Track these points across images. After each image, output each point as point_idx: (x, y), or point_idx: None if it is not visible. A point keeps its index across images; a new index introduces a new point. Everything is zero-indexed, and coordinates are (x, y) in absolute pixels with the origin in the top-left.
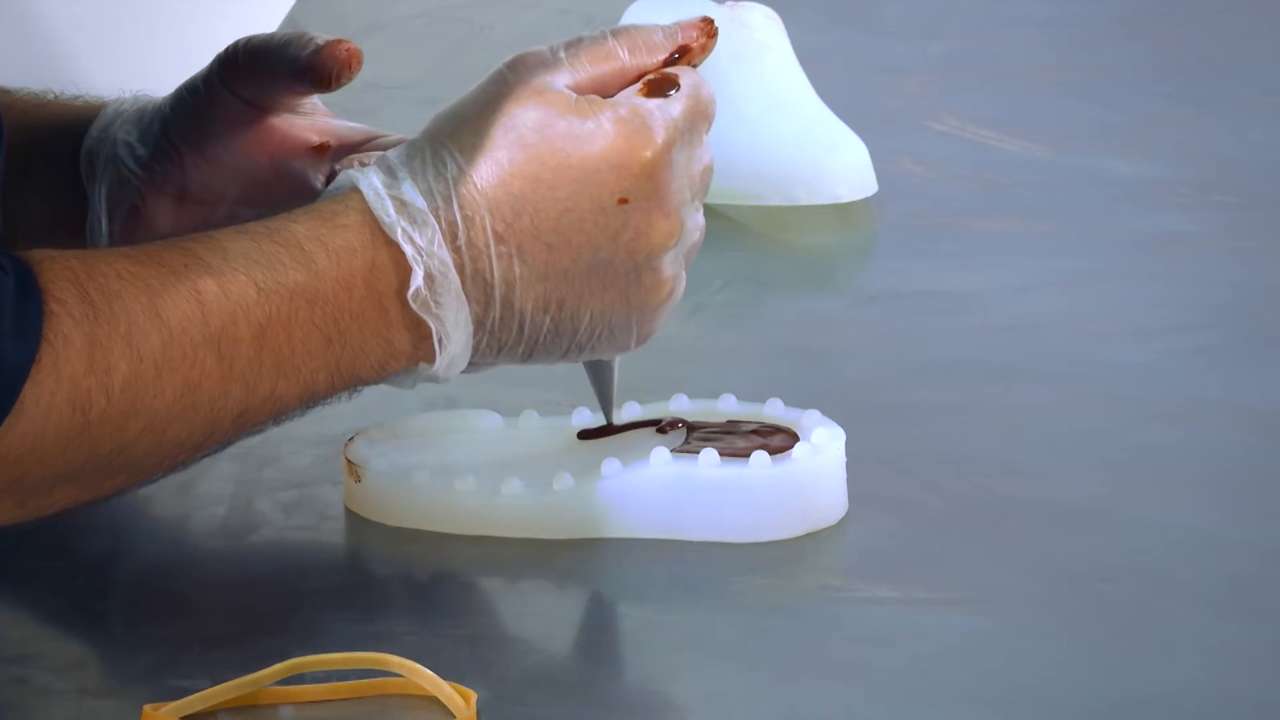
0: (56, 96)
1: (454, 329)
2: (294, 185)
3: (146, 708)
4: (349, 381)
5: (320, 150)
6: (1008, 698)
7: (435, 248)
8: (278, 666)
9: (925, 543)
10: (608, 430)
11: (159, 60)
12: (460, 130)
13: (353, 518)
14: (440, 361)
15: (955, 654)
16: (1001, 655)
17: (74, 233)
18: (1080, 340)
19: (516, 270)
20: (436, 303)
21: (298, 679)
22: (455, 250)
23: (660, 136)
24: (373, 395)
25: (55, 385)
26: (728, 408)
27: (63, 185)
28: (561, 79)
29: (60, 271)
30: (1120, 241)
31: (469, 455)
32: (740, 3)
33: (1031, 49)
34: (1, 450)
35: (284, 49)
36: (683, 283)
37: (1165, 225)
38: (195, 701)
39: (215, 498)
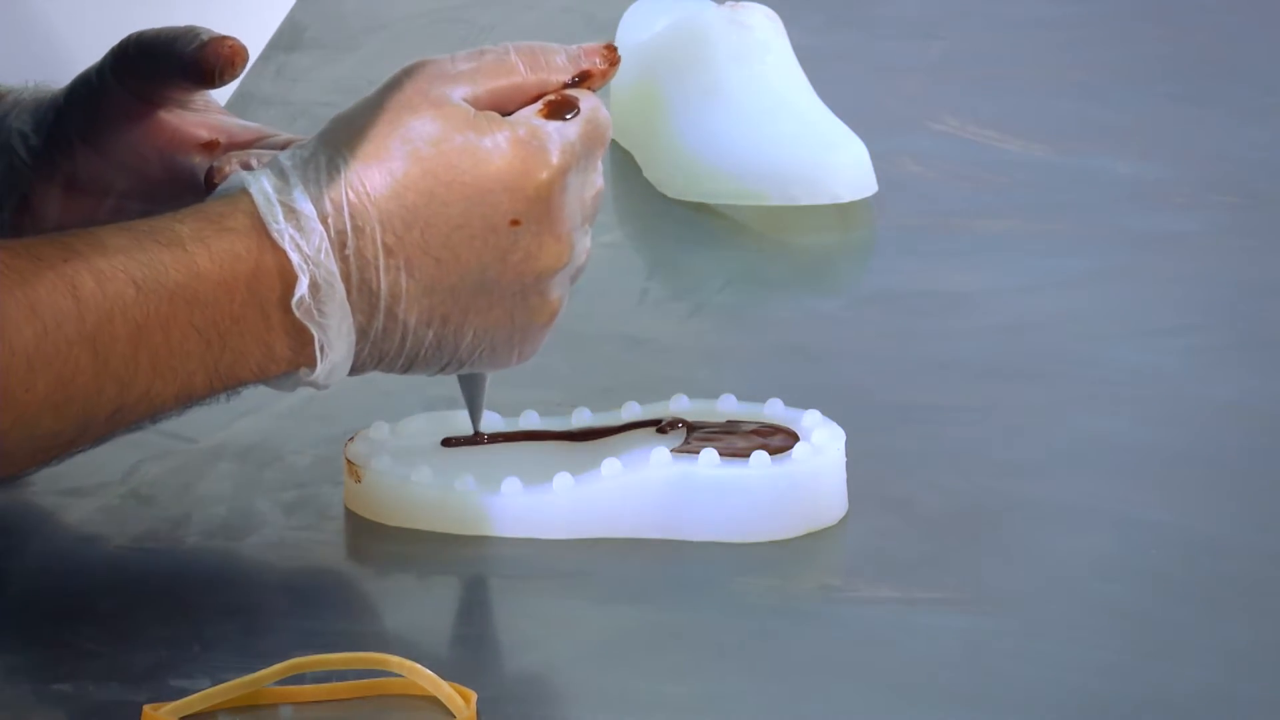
0: None
1: (336, 338)
2: (183, 180)
3: (146, 708)
4: (227, 383)
5: (210, 147)
6: (1008, 698)
7: (322, 256)
8: (278, 666)
9: (925, 543)
10: (475, 440)
11: None
12: (356, 138)
13: (353, 518)
14: (321, 369)
15: (955, 654)
16: (1001, 655)
17: None
18: (1080, 340)
19: (403, 283)
20: (320, 311)
21: (298, 679)
22: (343, 260)
23: (556, 160)
24: (373, 395)
25: None
26: (728, 408)
27: None
28: (460, 91)
29: None
30: (1120, 241)
31: (469, 455)
32: (740, 3)
33: (1031, 49)
34: None
35: (171, 44)
36: (565, 304)
37: (1165, 225)
38: (195, 701)
39: (215, 498)
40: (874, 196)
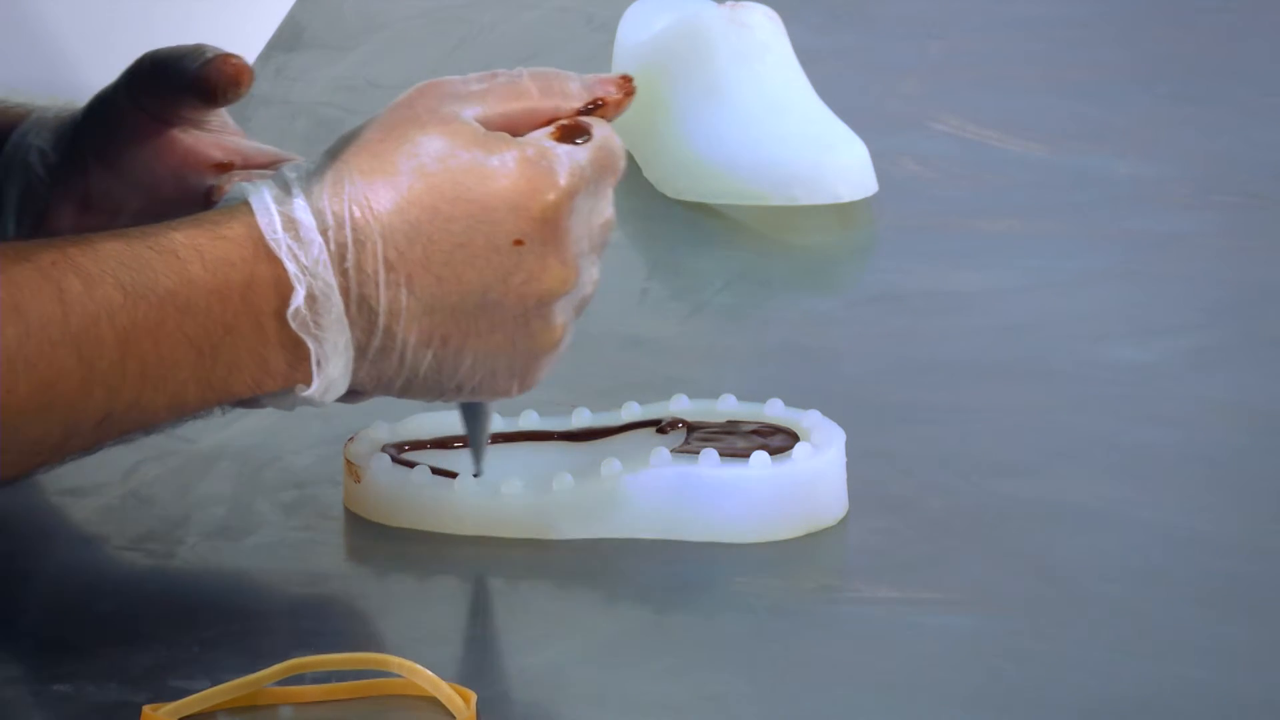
0: None
1: (333, 353)
2: (195, 200)
3: (146, 708)
4: (221, 396)
5: (224, 168)
6: (1008, 698)
7: (320, 268)
8: (278, 666)
9: (925, 543)
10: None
11: None
12: (362, 152)
13: (353, 518)
14: (317, 385)
15: (955, 654)
16: (1001, 655)
17: None
18: (1080, 340)
19: (403, 300)
20: (317, 324)
21: (298, 679)
22: (342, 273)
23: (563, 181)
24: None
25: None
26: (728, 408)
27: None
28: (471, 110)
29: None
30: (1120, 241)
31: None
32: (740, 3)
33: (1031, 49)
34: None
35: (179, 62)
36: (571, 333)
37: (1165, 225)
38: (195, 701)
39: (215, 498)
40: (874, 196)
